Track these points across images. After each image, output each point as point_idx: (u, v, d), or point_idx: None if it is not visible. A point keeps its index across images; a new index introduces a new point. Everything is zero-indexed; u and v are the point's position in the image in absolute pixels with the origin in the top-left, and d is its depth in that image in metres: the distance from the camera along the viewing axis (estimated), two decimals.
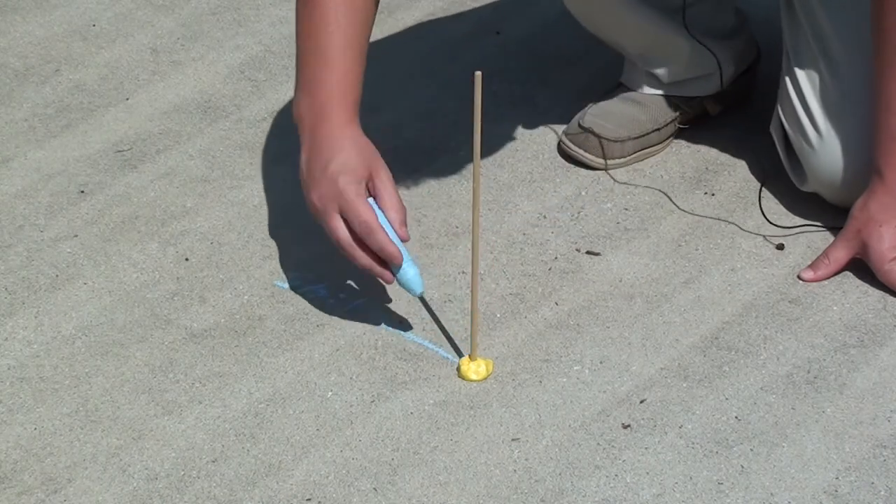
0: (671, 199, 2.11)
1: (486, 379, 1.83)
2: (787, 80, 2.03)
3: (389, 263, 1.81)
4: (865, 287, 1.95)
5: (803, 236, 2.03)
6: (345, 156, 1.83)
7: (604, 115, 2.18)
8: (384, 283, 1.87)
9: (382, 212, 1.81)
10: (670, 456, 1.71)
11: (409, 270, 1.82)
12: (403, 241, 1.81)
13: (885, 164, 1.90)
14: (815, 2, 2.00)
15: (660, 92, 2.19)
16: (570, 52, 2.43)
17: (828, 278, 1.95)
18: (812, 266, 1.96)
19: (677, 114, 2.20)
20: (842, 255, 1.94)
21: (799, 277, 1.96)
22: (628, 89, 2.21)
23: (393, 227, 1.80)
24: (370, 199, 1.82)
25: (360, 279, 1.98)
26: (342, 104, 1.87)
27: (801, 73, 2.01)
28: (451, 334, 1.89)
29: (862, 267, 1.97)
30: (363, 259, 1.81)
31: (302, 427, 1.76)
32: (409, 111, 2.30)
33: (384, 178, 1.83)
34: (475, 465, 1.71)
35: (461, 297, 1.95)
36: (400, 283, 1.83)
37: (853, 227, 1.93)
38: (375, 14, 1.91)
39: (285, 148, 2.24)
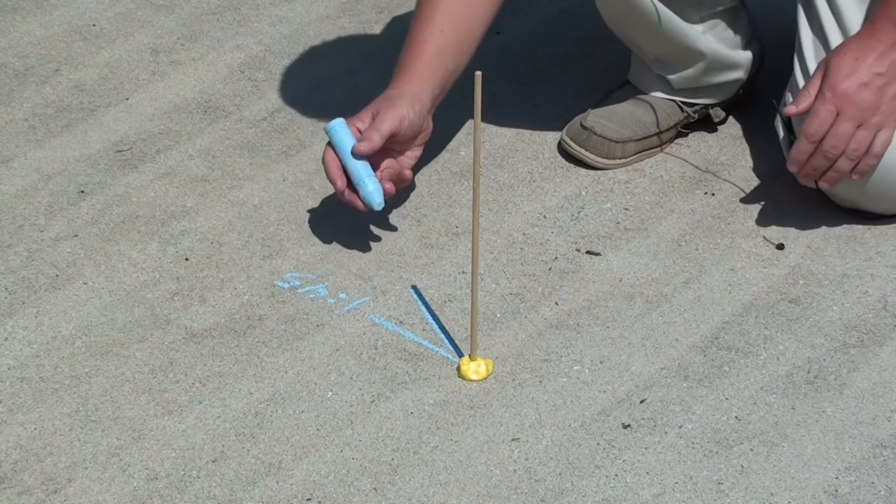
0: (704, 169, 2.11)
1: (486, 379, 1.83)
2: (799, 71, 2.02)
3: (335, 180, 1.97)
4: (865, 287, 1.95)
5: (803, 236, 2.03)
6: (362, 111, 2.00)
7: (607, 115, 2.18)
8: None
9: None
10: (670, 456, 1.71)
11: (366, 186, 1.94)
12: (358, 153, 1.95)
13: (879, 13, 1.91)
14: None
15: (668, 96, 2.18)
16: (570, 52, 2.43)
17: (808, 109, 1.94)
18: (794, 101, 1.96)
19: (682, 118, 2.19)
20: (817, 81, 1.94)
21: (786, 113, 1.96)
22: (636, 89, 2.21)
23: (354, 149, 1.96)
24: (333, 127, 1.98)
25: (361, 279, 1.98)
26: (403, 75, 2.02)
27: (813, 65, 2.00)
28: (452, 334, 1.89)
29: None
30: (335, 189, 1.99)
31: (302, 427, 1.76)
32: None
33: (382, 114, 1.97)
34: (475, 465, 1.71)
35: (461, 297, 1.95)
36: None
37: (824, 59, 1.95)
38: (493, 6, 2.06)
39: (285, 148, 2.24)
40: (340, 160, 1.96)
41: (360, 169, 1.95)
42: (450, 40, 2.03)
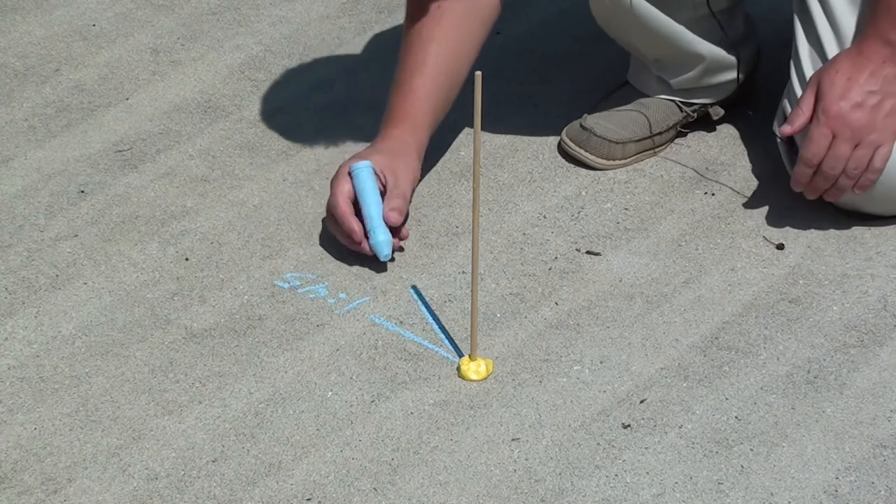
0: (699, 173, 2.11)
1: (486, 379, 1.83)
2: (795, 77, 2.02)
3: (350, 232, 1.96)
4: (865, 287, 1.95)
5: (803, 236, 2.03)
6: (367, 150, 2.01)
7: (606, 116, 2.18)
8: (368, 257, 1.99)
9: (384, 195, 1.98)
10: (670, 456, 1.71)
11: (378, 235, 1.95)
12: (390, 224, 1.96)
13: (868, 31, 1.91)
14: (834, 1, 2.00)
15: (667, 96, 2.18)
16: (570, 52, 2.43)
17: (804, 127, 1.95)
18: (789, 121, 1.97)
19: (681, 118, 2.19)
20: (809, 99, 1.95)
21: (782, 133, 1.97)
22: (635, 89, 2.21)
23: (383, 212, 1.96)
24: (362, 169, 1.97)
25: (361, 279, 1.98)
26: (400, 125, 2.04)
27: (810, 72, 2.00)
28: (452, 334, 1.89)
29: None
30: (335, 230, 1.99)
31: (302, 427, 1.76)
32: None
33: (400, 178, 1.98)
34: (475, 465, 1.71)
35: (461, 297, 1.95)
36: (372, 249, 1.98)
37: (815, 75, 1.95)
38: (478, 45, 2.09)
39: (285, 148, 2.24)
40: (358, 202, 1.97)
41: (377, 217, 1.96)
42: (442, 88, 2.06)
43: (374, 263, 2.00)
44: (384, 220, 1.95)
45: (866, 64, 1.91)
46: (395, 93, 2.06)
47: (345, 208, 1.96)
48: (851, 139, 1.92)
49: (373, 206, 1.96)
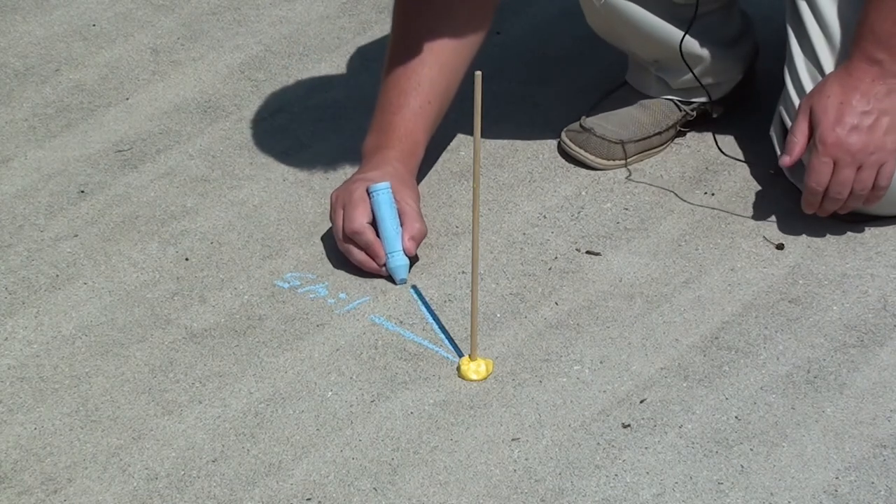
0: (678, 195, 2.11)
1: (486, 379, 1.83)
2: (791, 83, 2.03)
3: (375, 258, 1.95)
4: (865, 287, 1.95)
5: (803, 236, 2.03)
6: (375, 173, 1.98)
7: (605, 116, 2.18)
8: (382, 277, 1.98)
9: (402, 226, 1.96)
10: (670, 456, 1.72)
11: (398, 259, 1.95)
12: (408, 254, 1.95)
13: (856, 49, 1.91)
14: (824, 5, 2.00)
15: (666, 96, 2.18)
16: (570, 52, 2.43)
17: (801, 155, 1.95)
18: (786, 150, 1.96)
19: (680, 117, 2.20)
20: (803, 125, 1.94)
21: (782, 164, 1.97)
22: (634, 89, 2.21)
23: (402, 239, 1.95)
24: (384, 192, 1.95)
25: (361, 279, 1.98)
26: (400, 148, 2.02)
27: (805, 78, 2.01)
28: (452, 334, 1.89)
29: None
30: (357, 254, 1.96)
31: (302, 427, 1.76)
32: None
33: (412, 199, 1.98)
34: (475, 465, 1.71)
35: (461, 297, 1.95)
36: (388, 271, 1.97)
37: (806, 100, 1.95)
38: (468, 65, 2.08)
39: (285, 148, 2.24)
40: (376, 224, 1.95)
41: (397, 241, 1.94)
42: (435, 110, 2.06)
43: None
44: (403, 248, 1.95)
45: (856, 84, 1.91)
46: (390, 109, 2.04)
47: (371, 235, 1.94)
48: (853, 163, 1.92)
49: (392, 231, 1.94)
